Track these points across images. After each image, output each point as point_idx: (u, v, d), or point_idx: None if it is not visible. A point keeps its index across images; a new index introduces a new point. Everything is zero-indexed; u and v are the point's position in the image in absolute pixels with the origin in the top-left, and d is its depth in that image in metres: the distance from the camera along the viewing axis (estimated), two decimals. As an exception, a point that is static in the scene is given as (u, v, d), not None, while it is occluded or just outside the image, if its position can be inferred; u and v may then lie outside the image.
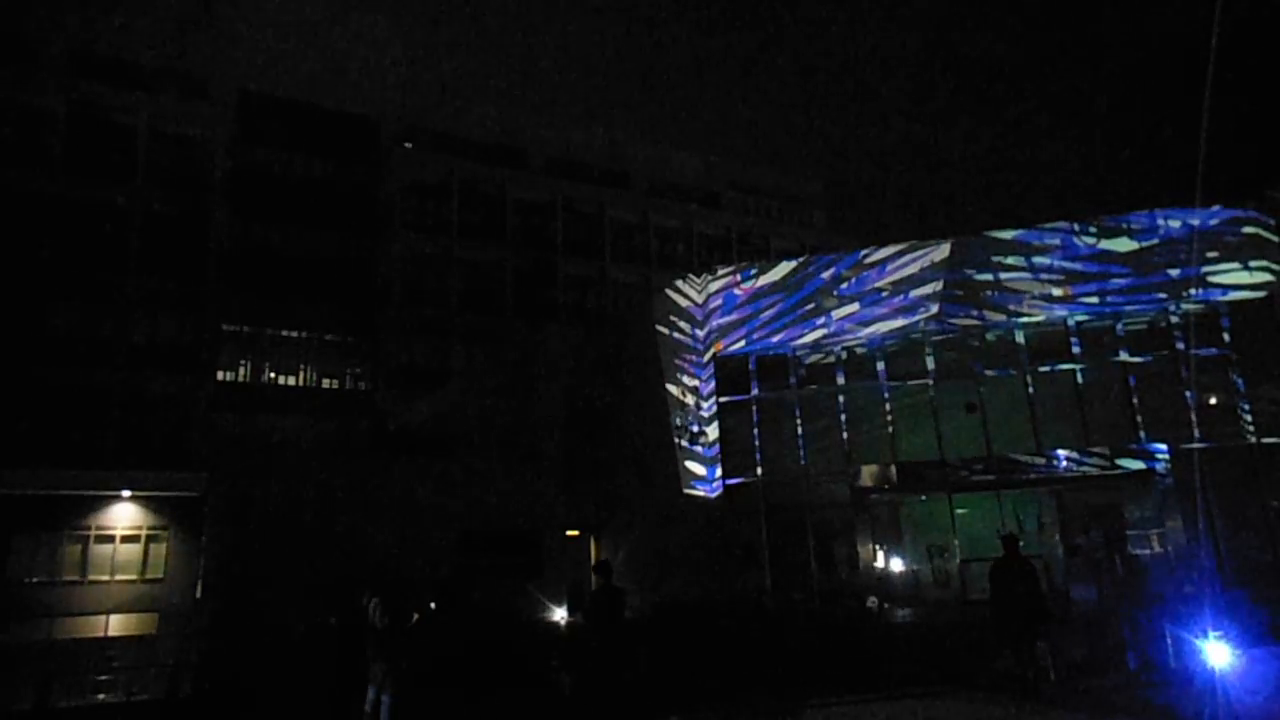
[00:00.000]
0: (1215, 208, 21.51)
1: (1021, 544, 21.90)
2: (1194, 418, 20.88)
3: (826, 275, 23.62)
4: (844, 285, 23.37)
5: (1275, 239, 21.05)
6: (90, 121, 29.83)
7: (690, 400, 24.23)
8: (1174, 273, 21.33)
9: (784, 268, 24.38)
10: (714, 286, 24.73)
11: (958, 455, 22.37)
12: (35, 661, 22.65)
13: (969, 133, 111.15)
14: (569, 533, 25.62)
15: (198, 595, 25.16)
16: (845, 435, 23.15)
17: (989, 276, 22.44)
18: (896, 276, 23.01)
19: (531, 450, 26.04)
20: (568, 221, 39.96)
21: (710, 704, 11.91)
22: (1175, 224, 21.60)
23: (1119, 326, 22.06)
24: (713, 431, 24.00)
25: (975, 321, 22.45)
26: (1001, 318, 22.31)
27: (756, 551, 23.15)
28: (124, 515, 26.95)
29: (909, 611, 21.04)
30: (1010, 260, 22.41)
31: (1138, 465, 21.32)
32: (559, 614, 22.95)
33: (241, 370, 32.80)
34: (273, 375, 33.41)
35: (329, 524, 20.96)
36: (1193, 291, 21.21)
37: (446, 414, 32.34)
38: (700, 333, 24.53)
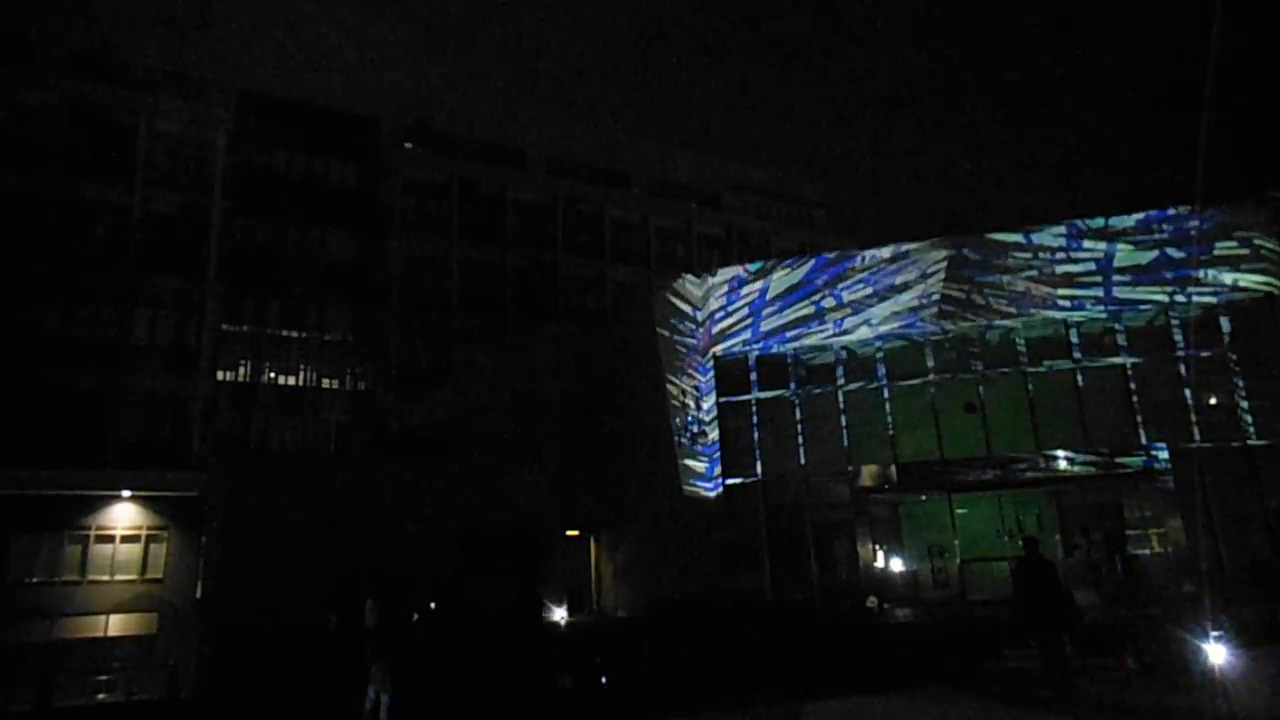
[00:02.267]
0: (1215, 208, 21.48)
1: (1021, 544, 21.93)
2: (1194, 418, 20.87)
3: (827, 275, 23.61)
4: (844, 285, 23.36)
5: (1275, 239, 21.03)
6: (90, 121, 29.81)
7: (690, 400, 24.22)
8: (1174, 273, 21.32)
9: (784, 268, 24.36)
10: (714, 287, 24.72)
11: (958, 455, 22.35)
12: (35, 661, 22.69)
13: (970, 133, 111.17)
14: (569, 533, 25.60)
15: (198, 595, 25.15)
16: (845, 435, 23.14)
17: (989, 276, 22.42)
18: (897, 277, 23.00)
19: (531, 450, 26.01)
20: (568, 221, 39.95)
21: (710, 704, 11.91)
22: (1175, 224, 21.58)
23: (1119, 326, 22.04)
24: (713, 431, 23.98)
25: (975, 321, 22.43)
26: (1001, 318, 22.30)
27: (756, 551, 23.14)
28: (124, 515, 26.93)
29: (909, 611, 21.03)
30: (1010, 260, 22.40)
31: (1138, 465, 21.30)
32: (559, 614, 22.95)
33: (241, 370, 32.76)
34: (273, 375, 33.38)
35: (329, 524, 20.93)
36: (1192, 291, 21.17)
37: (446, 414, 32.33)
38: (700, 333, 24.52)
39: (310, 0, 36.76)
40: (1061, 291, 21.88)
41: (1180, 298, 21.44)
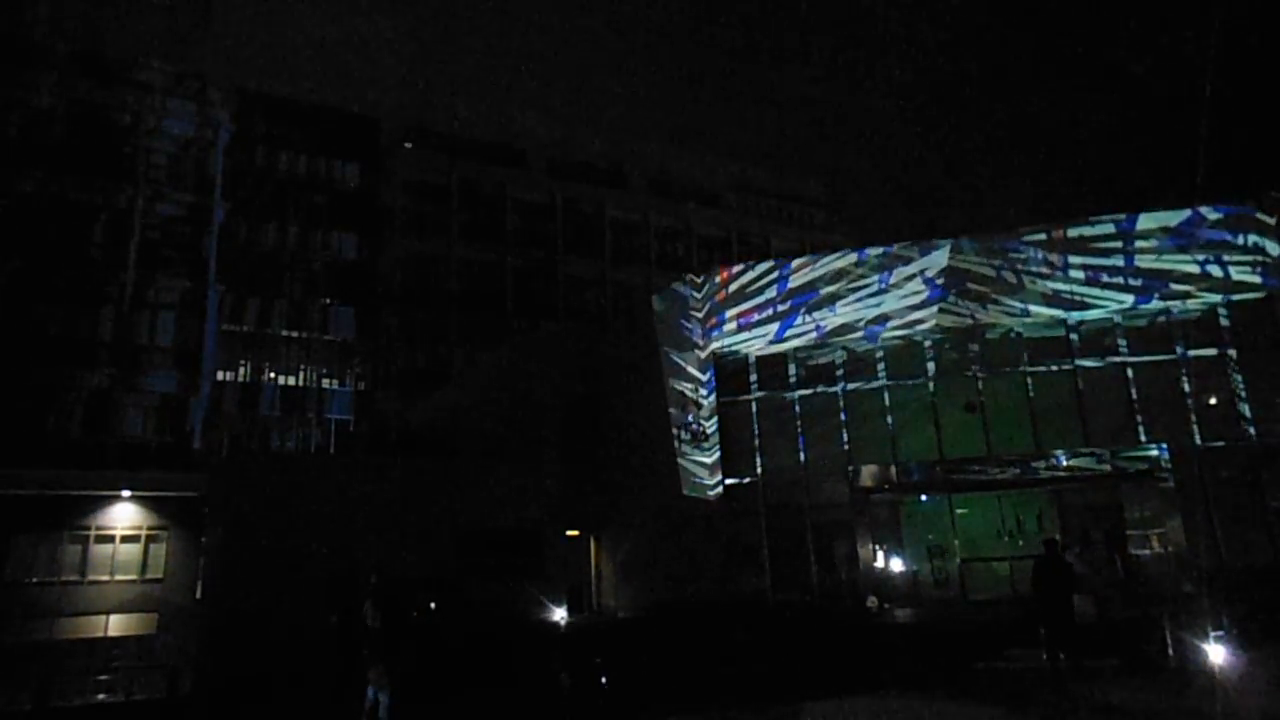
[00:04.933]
0: (1215, 207, 21.45)
1: (1021, 543, 21.98)
2: (1194, 418, 20.85)
3: (827, 275, 23.60)
4: (844, 285, 23.34)
5: (1275, 239, 21.00)
6: (90, 121, 29.82)
7: (690, 400, 24.22)
8: (1174, 272, 21.26)
9: (784, 267, 24.35)
10: (714, 286, 24.72)
11: (958, 455, 22.34)
12: (35, 661, 22.70)
13: (970, 133, 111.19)
14: (569, 533, 25.57)
15: (198, 595, 25.14)
16: (845, 435, 23.14)
17: (989, 276, 22.40)
18: (896, 276, 22.98)
19: (531, 450, 25.99)
20: (568, 221, 39.98)
21: (710, 703, 11.90)
22: (1175, 224, 21.53)
23: (1119, 326, 22.00)
24: (713, 431, 23.98)
25: (975, 321, 22.42)
26: (1001, 318, 22.28)
27: (756, 551, 23.13)
28: (124, 515, 26.93)
29: (909, 611, 21.02)
30: (1010, 260, 22.37)
31: (1138, 465, 21.29)
32: (559, 614, 22.95)
33: (242, 370, 32.81)
34: (273, 375, 33.43)
35: (328, 524, 20.90)
36: (1193, 291, 21.13)
37: (446, 414, 32.33)
38: (700, 333, 24.51)
39: (310, 1, 36.79)
40: (1062, 291, 21.77)
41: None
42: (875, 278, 23.10)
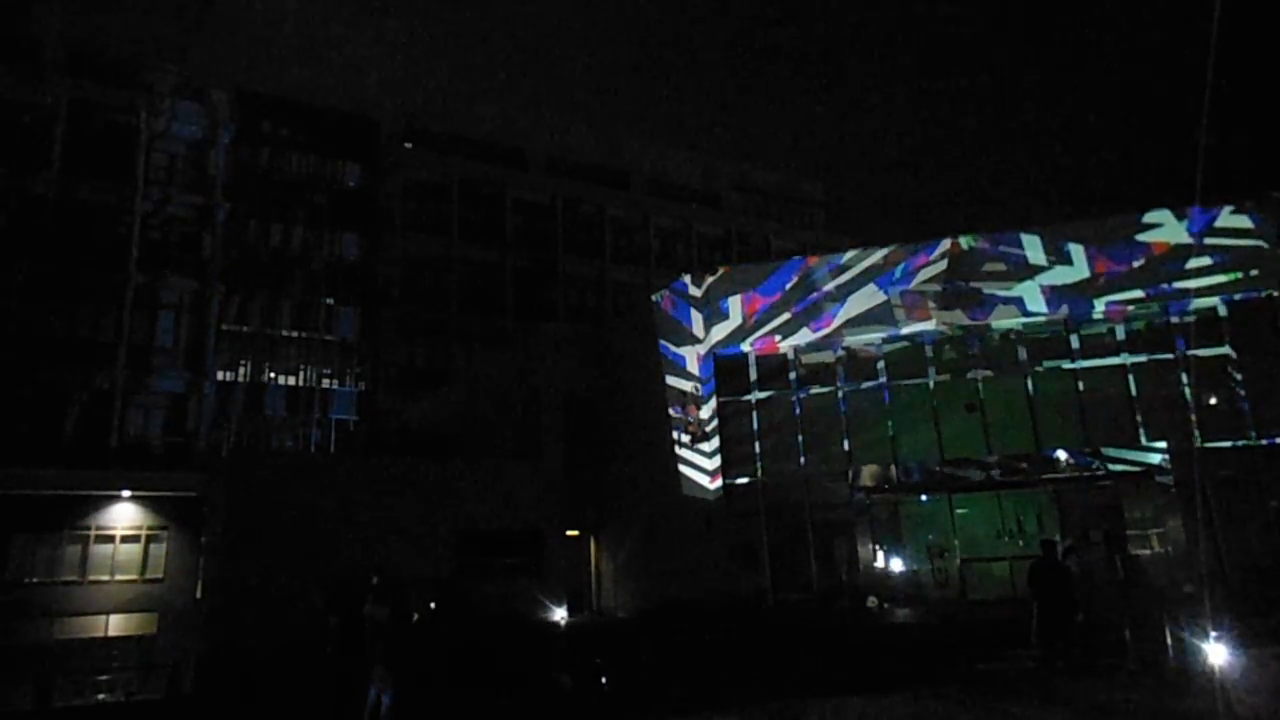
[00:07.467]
0: (1216, 207, 21.46)
1: (1021, 544, 21.97)
2: (1194, 418, 20.84)
3: (826, 275, 23.60)
4: (843, 285, 23.34)
5: (1275, 239, 21.01)
6: (90, 121, 29.80)
7: (690, 400, 24.21)
8: (1174, 273, 21.27)
9: (784, 268, 24.36)
10: (714, 286, 24.72)
11: (958, 455, 22.34)
12: (35, 661, 22.71)
13: (969, 133, 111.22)
14: (569, 533, 25.57)
15: (198, 595, 25.15)
16: (845, 435, 23.13)
17: (989, 276, 22.40)
18: (896, 276, 22.98)
19: (531, 450, 26.00)
20: (568, 221, 39.98)
21: (710, 704, 11.90)
22: (1176, 224, 21.55)
23: (1119, 326, 22.01)
24: (713, 432, 23.98)
25: (975, 321, 22.42)
26: (1001, 318, 22.28)
27: (756, 551, 23.13)
28: (124, 515, 26.93)
29: (909, 611, 21.03)
30: (1009, 260, 22.38)
31: (1138, 465, 21.29)
32: (559, 614, 22.96)
33: (242, 370, 32.81)
34: (273, 375, 33.42)
35: (328, 524, 20.91)
36: (1193, 292, 21.12)
37: (446, 414, 32.32)
38: (700, 332, 24.51)
39: (311, 1, 36.78)
40: (1062, 290, 21.73)
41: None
42: (876, 277, 23.12)
